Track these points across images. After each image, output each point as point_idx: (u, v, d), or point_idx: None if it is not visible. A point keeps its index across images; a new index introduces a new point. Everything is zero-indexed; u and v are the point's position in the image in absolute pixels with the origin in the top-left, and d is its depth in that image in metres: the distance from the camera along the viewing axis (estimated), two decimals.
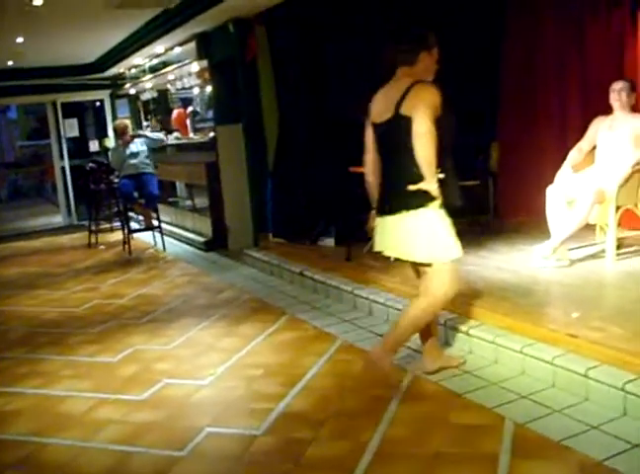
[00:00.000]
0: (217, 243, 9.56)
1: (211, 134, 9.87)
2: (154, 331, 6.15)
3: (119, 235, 10.82)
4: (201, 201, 10.40)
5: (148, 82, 12.37)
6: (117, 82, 14.01)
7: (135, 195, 10.12)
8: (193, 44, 9.70)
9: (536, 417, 3.81)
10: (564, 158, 6.30)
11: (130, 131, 10.52)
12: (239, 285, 7.52)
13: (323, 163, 8.11)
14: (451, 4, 7.85)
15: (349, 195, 7.41)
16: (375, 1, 8.03)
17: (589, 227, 6.25)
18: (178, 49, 10.27)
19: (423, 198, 4.09)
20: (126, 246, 10.03)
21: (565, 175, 6.19)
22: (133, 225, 10.96)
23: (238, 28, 8.65)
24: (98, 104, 15.35)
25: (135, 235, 10.55)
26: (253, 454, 3.74)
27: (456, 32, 7.47)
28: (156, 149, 10.42)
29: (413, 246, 4.20)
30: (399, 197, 4.18)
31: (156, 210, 10.20)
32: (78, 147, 15.61)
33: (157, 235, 10.23)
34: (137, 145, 10.18)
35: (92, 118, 16.89)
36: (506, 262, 6.10)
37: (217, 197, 9.43)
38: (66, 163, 14.41)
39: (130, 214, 11.01)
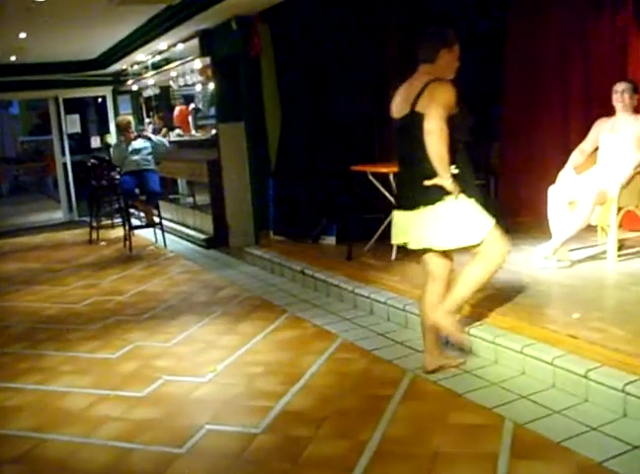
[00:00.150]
0: (218, 240, 9.57)
1: (213, 132, 9.88)
2: (154, 328, 6.15)
3: (119, 232, 10.83)
4: (203, 199, 10.41)
5: (151, 78, 12.37)
6: (119, 78, 14.01)
7: (137, 191, 10.10)
8: (196, 41, 9.69)
9: (536, 417, 3.81)
10: (566, 159, 6.29)
11: (133, 128, 10.49)
12: (240, 283, 7.52)
13: (325, 161, 8.11)
14: (454, 3, 7.84)
15: (350, 193, 7.43)
16: (370, 1, 8.03)
17: (590, 228, 6.25)
18: (181, 46, 10.26)
19: (440, 193, 4.16)
20: (127, 242, 10.03)
21: (567, 176, 6.18)
22: (134, 222, 10.95)
23: (241, 25, 8.64)
24: (100, 100, 15.34)
25: (136, 232, 10.56)
26: (252, 452, 3.74)
27: (458, 31, 7.45)
28: (159, 155, 10.34)
29: (449, 234, 4.24)
30: (418, 192, 4.24)
31: (157, 207, 10.19)
32: (80, 143, 15.62)
33: (158, 232, 10.23)
34: (140, 142, 10.16)
35: (94, 115, 16.90)
36: (507, 262, 6.07)
37: (219, 194, 9.44)
38: (68, 159, 14.41)
39: (131, 211, 11.00)
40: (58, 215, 14.88)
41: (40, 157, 21.94)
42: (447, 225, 4.22)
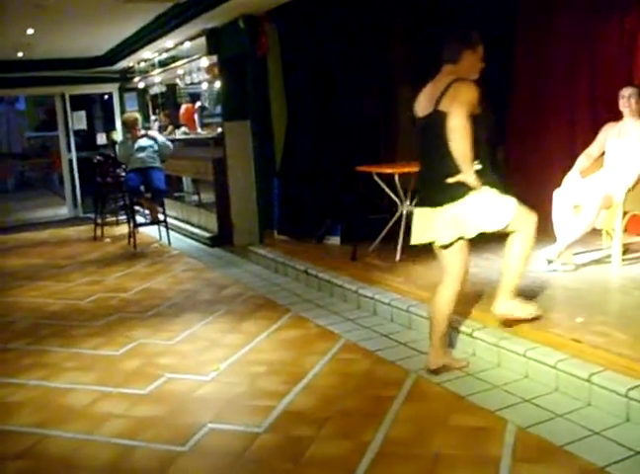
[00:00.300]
0: (223, 239, 9.58)
1: (219, 130, 9.88)
2: (158, 325, 6.16)
3: (124, 229, 10.84)
4: (208, 197, 10.42)
5: (157, 76, 12.38)
6: (125, 75, 14.03)
7: (142, 188, 10.11)
8: (203, 40, 9.70)
9: (539, 421, 3.81)
10: (572, 163, 6.29)
11: (140, 125, 10.50)
12: (243, 282, 7.53)
13: (330, 162, 8.12)
14: (462, 6, 7.83)
15: (355, 194, 7.43)
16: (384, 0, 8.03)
17: (595, 232, 6.24)
18: (188, 44, 10.27)
19: (464, 189, 4.25)
20: (132, 240, 10.03)
21: (573, 179, 6.18)
22: (139, 219, 10.97)
23: (249, 24, 8.65)
24: (106, 97, 15.36)
25: (141, 229, 10.56)
26: (254, 452, 3.74)
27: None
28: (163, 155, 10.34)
29: (478, 223, 4.33)
30: (441, 189, 4.32)
31: (162, 205, 10.20)
32: (86, 140, 15.65)
33: (163, 229, 10.23)
34: (145, 139, 10.16)
35: (100, 111, 16.93)
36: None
37: (224, 192, 9.45)
38: (73, 155, 14.44)
39: (136, 208, 11.01)
40: (63, 211, 14.91)
41: (46, 153, 21.96)
42: (474, 216, 4.32)
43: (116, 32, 10.50)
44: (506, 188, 4.47)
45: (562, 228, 6.04)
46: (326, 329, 5.69)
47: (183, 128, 11.95)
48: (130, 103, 14.65)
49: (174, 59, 11.41)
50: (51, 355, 5.56)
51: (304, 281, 7.13)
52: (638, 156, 6.07)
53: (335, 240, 7.96)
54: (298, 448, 3.72)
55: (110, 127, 15.17)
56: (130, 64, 13.17)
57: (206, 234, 10.00)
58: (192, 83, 11.67)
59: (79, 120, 14.70)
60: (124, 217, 11.09)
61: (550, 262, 5.97)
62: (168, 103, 13.67)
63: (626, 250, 6.20)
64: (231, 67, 9.37)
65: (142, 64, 12.74)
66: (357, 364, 4.88)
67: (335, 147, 8.15)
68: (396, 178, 6.88)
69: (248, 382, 4.71)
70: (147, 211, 11.10)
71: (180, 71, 11.40)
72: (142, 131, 10.38)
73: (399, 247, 6.81)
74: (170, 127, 12.41)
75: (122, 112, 14.04)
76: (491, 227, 4.35)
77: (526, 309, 4.67)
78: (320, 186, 8.21)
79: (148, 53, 11.74)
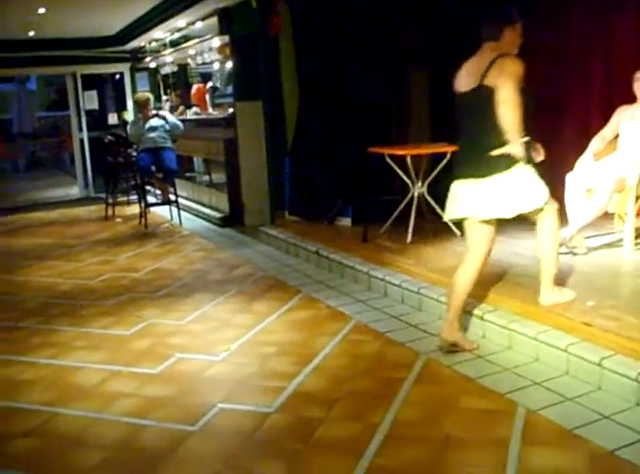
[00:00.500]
0: (234, 219, 9.57)
1: (230, 110, 9.86)
2: (168, 305, 6.17)
3: (135, 209, 10.84)
4: (219, 177, 10.41)
5: (169, 56, 12.36)
6: (137, 55, 13.99)
7: (153, 168, 10.11)
8: (214, 19, 9.65)
9: (548, 404, 3.81)
10: (585, 146, 6.24)
11: (151, 105, 10.49)
12: (254, 262, 7.53)
13: (342, 143, 8.08)
14: None
15: (367, 175, 7.40)
16: None
17: (607, 216, 6.21)
18: (199, 24, 10.22)
19: (509, 161, 4.35)
20: (143, 220, 10.04)
21: (586, 163, 6.14)
22: (150, 199, 10.97)
23: (261, 4, 8.60)
24: (117, 77, 15.33)
25: (152, 209, 10.55)
26: (264, 432, 3.75)
27: (481, 20, 7.40)
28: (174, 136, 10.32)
29: (514, 202, 4.43)
30: (486, 161, 4.38)
31: (173, 185, 10.21)
32: (97, 119, 15.63)
33: (174, 210, 10.24)
34: (157, 119, 10.15)
35: (111, 91, 16.90)
36: (523, 247, 6.07)
37: (235, 173, 9.43)
38: (85, 135, 14.42)
39: (147, 188, 11.02)
40: (74, 191, 14.92)
41: (57, 133, 21.95)
42: (513, 193, 4.41)
43: (127, 11, 10.46)
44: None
45: (574, 211, 6.00)
46: (337, 310, 5.69)
47: (194, 108, 11.94)
48: (142, 83, 14.61)
49: (185, 39, 11.39)
50: (61, 335, 5.58)
51: (315, 262, 7.12)
52: None
53: (346, 221, 7.94)
54: (308, 429, 3.72)
55: (121, 107, 15.15)
56: (142, 44, 13.12)
57: (217, 214, 9.99)
58: (203, 63, 11.66)
59: (90, 100, 14.68)
60: (135, 197, 11.09)
61: (562, 245, 5.94)
62: (179, 83, 13.66)
63: (638, 234, 6.16)
64: (243, 47, 9.32)
65: (154, 44, 12.70)
66: (367, 346, 4.88)
67: (347, 128, 8.11)
68: (408, 160, 6.84)
69: (258, 363, 4.71)
70: (158, 191, 11.12)
71: (191, 51, 11.38)
72: (153, 111, 10.37)
73: (410, 229, 6.79)
74: (181, 108, 12.40)
75: (134, 92, 14.02)
76: (526, 207, 4.46)
77: (566, 294, 4.82)
78: (332, 167, 8.19)
79: (160, 33, 11.69)
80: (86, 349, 5.22)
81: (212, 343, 5.14)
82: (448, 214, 4.74)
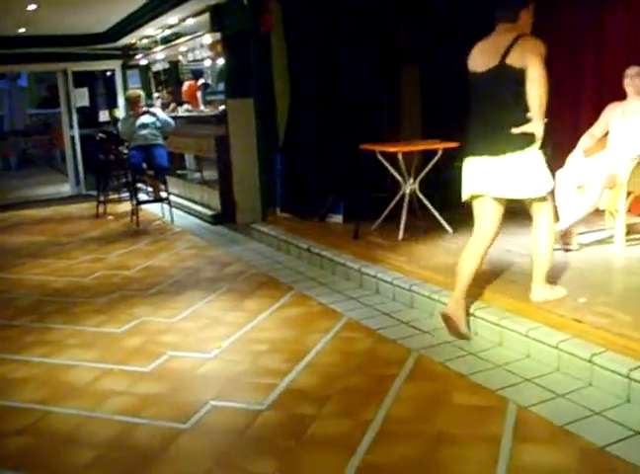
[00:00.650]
0: (225, 216, 9.57)
1: (222, 107, 9.85)
2: (160, 303, 6.17)
3: (127, 206, 10.81)
4: (210, 174, 10.40)
5: (160, 53, 12.33)
6: (128, 52, 13.96)
7: (144, 166, 10.09)
8: (206, 16, 9.64)
9: (540, 400, 3.82)
10: (575, 143, 6.26)
11: (143, 102, 10.47)
12: (246, 260, 7.53)
13: (334, 140, 8.09)
14: None
15: (358, 172, 7.41)
16: None
17: (598, 212, 6.23)
18: (191, 21, 10.22)
19: (526, 140, 4.45)
20: (134, 217, 10.03)
21: (576, 159, 6.16)
22: (142, 196, 10.96)
23: (252, 1, 8.58)
24: (109, 74, 15.30)
25: (143, 206, 10.54)
26: (256, 429, 3.75)
27: (472, 18, 7.42)
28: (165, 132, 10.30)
29: (524, 184, 4.54)
30: (504, 138, 4.49)
31: (165, 182, 10.19)
32: (88, 117, 15.59)
33: (165, 207, 10.23)
34: (148, 116, 10.13)
35: (102, 88, 16.86)
36: (514, 244, 6.09)
37: (226, 170, 9.43)
38: (76, 132, 14.38)
39: (139, 185, 11.00)
40: (66, 189, 14.88)
41: (48, 130, 21.88)
42: (524, 174, 4.52)
43: (119, 8, 10.45)
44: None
45: (565, 208, 6.02)
46: (328, 307, 5.69)
47: (185, 106, 11.91)
48: (133, 80, 14.60)
49: (177, 36, 11.37)
50: (54, 333, 5.57)
51: (307, 259, 7.13)
52: None
53: (338, 218, 7.95)
54: (300, 426, 3.73)
55: (112, 104, 15.12)
56: (133, 41, 13.11)
57: (209, 212, 9.99)
58: (195, 60, 11.64)
59: (81, 97, 14.67)
60: (127, 195, 11.06)
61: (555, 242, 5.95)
62: (171, 80, 13.62)
63: (629, 230, 6.18)
64: (234, 44, 9.31)
65: (145, 41, 12.68)
66: (359, 343, 4.89)
67: (338, 125, 8.12)
68: (400, 157, 6.85)
69: (250, 360, 4.72)
70: (150, 189, 11.10)
71: (183, 48, 11.35)
72: (145, 108, 10.35)
73: (402, 226, 6.81)
74: (173, 105, 12.37)
75: (125, 89, 13.99)
76: (532, 191, 4.56)
77: (558, 291, 4.85)
78: (323, 164, 8.19)
79: (151, 30, 11.68)
80: (79, 347, 5.22)
81: (204, 340, 5.14)
82: (465, 192, 4.80)
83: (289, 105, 8.59)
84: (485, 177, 4.61)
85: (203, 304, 6.04)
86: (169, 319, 5.71)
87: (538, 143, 4.48)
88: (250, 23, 8.69)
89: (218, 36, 9.62)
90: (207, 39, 9.97)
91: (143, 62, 13.54)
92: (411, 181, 6.97)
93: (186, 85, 12.43)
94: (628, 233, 6.11)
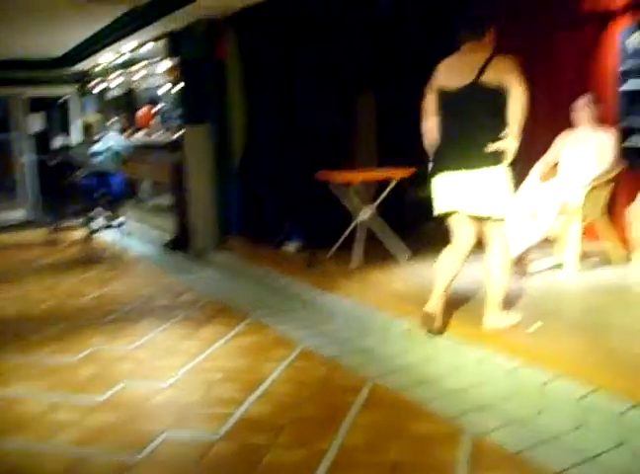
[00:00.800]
0: (181, 243, 9.50)
1: (178, 133, 9.81)
2: (115, 331, 6.09)
3: (81, 233, 10.71)
4: (166, 201, 10.34)
5: (116, 79, 12.28)
6: (85, 77, 13.88)
7: (99, 192, 10.02)
8: (163, 42, 9.64)
9: (495, 427, 3.83)
10: (528, 171, 6.35)
11: (98, 128, 10.42)
12: (201, 287, 7.49)
13: (290, 166, 8.09)
14: (416, 19, 7.94)
15: (314, 199, 7.42)
16: (345, 7, 8.02)
17: (552, 239, 6.30)
18: (147, 47, 10.20)
19: (499, 157, 4.55)
20: (89, 244, 9.92)
21: (530, 186, 6.24)
22: (97, 223, 10.86)
23: (209, 28, 8.62)
24: (65, 99, 15.17)
25: (98, 233, 10.45)
26: (210, 459, 3.71)
27: (423, 46, 7.54)
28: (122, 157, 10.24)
29: (490, 201, 4.63)
30: (478, 153, 4.57)
31: (120, 209, 10.11)
32: (43, 142, 15.42)
33: (120, 234, 10.14)
34: (103, 142, 10.08)
35: (58, 114, 16.70)
36: (468, 271, 6.11)
37: (182, 196, 9.38)
38: (30, 158, 14.22)
39: (94, 212, 10.90)
40: (19, 215, 14.67)
41: (2, 155, 21.58)
42: (493, 191, 4.60)
43: (75, 33, 10.39)
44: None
45: (519, 235, 6.08)
46: (284, 335, 5.67)
47: (142, 131, 11.86)
48: (89, 105, 14.49)
49: (134, 62, 11.34)
50: (5, 362, 5.46)
51: (263, 287, 7.10)
52: (594, 163, 6.17)
53: (293, 246, 7.94)
54: (255, 456, 3.69)
55: (67, 131, 14.99)
56: (90, 66, 13.03)
57: (165, 238, 9.91)
58: (151, 86, 11.60)
59: (36, 123, 14.50)
60: (82, 221, 10.95)
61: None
62: (127, 105, 13.54)
63: (582, 256, 6.26)
64: (191, 71, 9.29)
65: (102, 66, 12.62)
66: (314, 371, 4.87)
67: (295, 153, 8.13)
68: (356, 184, 6.88)
69: (205, 389, 4.67)
70: (105, 215, 11.00)
71: (140, 74, 11.33)
72: (100, 134, 10.29)
73: (357, 253, 6.82)
74: (129, 130, 12.30)
75: (81, 114, 13.90)
76: (495, 210, 4.63)
77: (512, 317, 4.88)
78: (280, 191, 8.20)
79: (108, 55, 11.63)
80: (31, 377, 5.12)
81: (159, 369, 5.09)
82: (439, 208, 4.85)
83: (246, 131, 8.60)
84: (458, 193, 4.68)
85: (158, 333, 5.98)
86: (124, 347, 5.64)
87: (509, 160, 4.57)
88: (206, 50, 8.71)
89: (174, 62, 9.62)
90: (164, 65, 9.96)
91: (100, 87, 13.47)
92: (366, 208, 7.00)
93: (142, 110, 12.38)
94: (581, 259, 6.19)
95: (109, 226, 10.46)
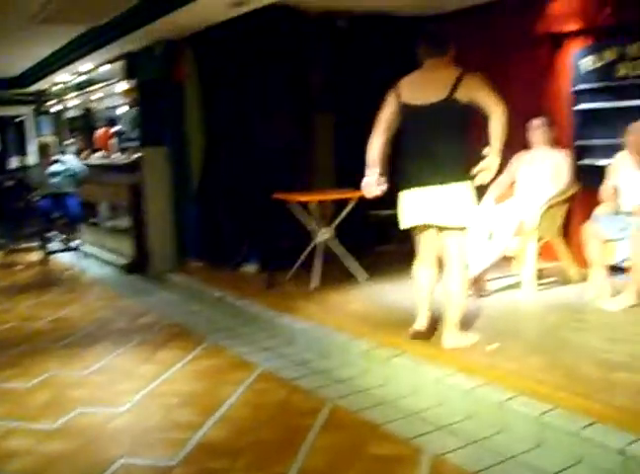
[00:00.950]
0: (139, 265, 9.41)
1: (136, 155, 9.75)
2: (71, 356, 5.99)
3: (38, 255, 10.57)
4: (124, 223, 10.25)
5: (74, 99, 12.20)
6: (41, 98, 13.76)
7: (56, 214, 9.91)
8: (120, 63, 9.59)
9: (453, 448, 3.82)
10: (484, 190, 6.40)
11: (55, 149, 10.31)
12: (159, 310, 7.41)
13: (248, 189, 8.06)
14: (369, 37, 8.01)
15: (272, 221, 7.40)
16: (304, 26, 8.06)
17: (508, 258, 6.36)
18: (105, 68, 10.14)
19: (465, 173, 4.64)
20: (45, 267, 9.80)
21: (486, 207, 6.28)
22: (53, 245, 10.73)
23: (166, 49, 8.58)
24: (20, 119, 15.04)
25: (55, 256, 10.32)
26: None
27: (377, 68, 7.60)
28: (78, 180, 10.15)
29: (454, 214, 4.68)
30: (448, 169, 4.64)
31: (77, 231, 10.01)
32: None
33: (77, 256, 10.03)
34: (60, 164, 9.98)
35: (13, 134, 16.54)
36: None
37: (140, 218, 9.30)
38: None
39: (50, 234, 10.78)
40: None
41: None
42: (460, 203, 4.66)
43: (31, 53, 10.30)
44: None
45: (476, 255, 6.11)
46: (242, 358, 5.63)
47: (99, 153, 11.77)
48: (46, 126, 14.37)
49: (91, 82, 11.27)
50: None
51: (221, 309, 7.05)
52: (549, 183, 6.24)
53: (252, 267, 7.90)
54: None
55: (23, 151, 14.84)
56: (46, 86, 12.92)
57: (122, 261, 9.82)
58: (109, 107, 11.53)
59: None
60: (38, 243, 10.81)
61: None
62: (85, 126, 13.46)
63: (539, 276, 6.32)
64: (148, 92, 9.25)
65: (59, 86, 12.53)
66: (272, 394, 4.83)
67: (253, 173, 8.11)
68: (313, 205, 6.88)
69: (162, 414, 4.61)
70: (61, 237, 10.88)
71: (97, 95, 11.27)
72: (57, 156, 10.19)
73: (315, 274, 6.81)
74: (86, 152, 12.21)
75: (37, 135, 13.76)
76: (461, 220, 4.70)
77: (470, 337, 4.92)
78: (238, 212, 8.16)
79: (65, 76, 11.55)
80: None
81: (115, 394, 5.00)
82: (405, 224, 4.88)
83: (204, 152, 8.56)
84: (425, 207, 4.71)
85: (115, 357, 5.90)
86: (80, 372, 5.55)
87: (492, 176, 4.70)
88: (164, 71, 8.67)
89: (132, 83, 9.57)
90: (121, 86, 9.91)
91: (57, 108, 13.36)
92: (324, 229, 6.99)
93: (100, 132, 12.30)
94: (538, 278, 6.25)
95: (66, 248, 10.33)
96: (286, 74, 8.17)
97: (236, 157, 8.19)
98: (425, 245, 4.93)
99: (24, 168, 13.83)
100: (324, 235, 6.98)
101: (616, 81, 6.61)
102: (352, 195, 6.77)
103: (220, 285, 7.43)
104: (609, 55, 6.63)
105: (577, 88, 6.93)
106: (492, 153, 4.57)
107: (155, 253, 9.11)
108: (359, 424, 4.26)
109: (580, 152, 6.84)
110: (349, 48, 8.20)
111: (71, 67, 10.57)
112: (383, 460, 3.78)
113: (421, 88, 4.72)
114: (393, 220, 5.05)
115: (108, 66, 10.03)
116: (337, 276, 6.93)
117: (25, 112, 14.47)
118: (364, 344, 5.16)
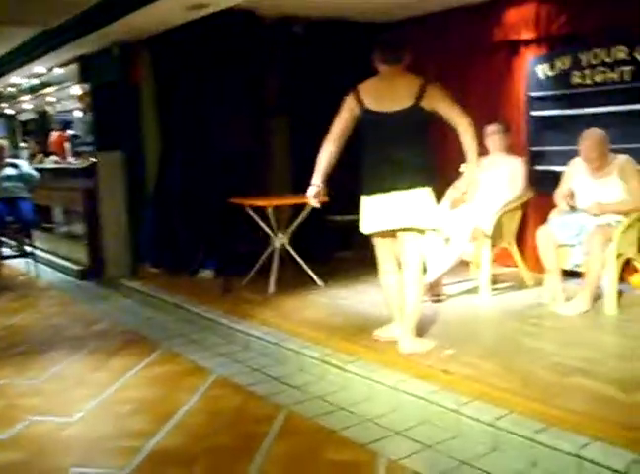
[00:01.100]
0: (93, 272, 9.29)
1: (91, 159, 9.64)
2: (22, 364, 5.88)
3: None
4: (78, 228, 10.11)
5: (27, 102, 12.03)
6: None
7: (8, 219, 9.74)
8: (74, 66, 9.47)
9: (409, 453, 3.82)
10: (440, 195, 6.42)
11: (7, 153, 10.14)
12: (114, 316, 7.32)
13: (204, 193, 8.00)
14: (326, 42, 8.02)
15: (229, 226, 7.36)
16: (260, 30, 8.03)
17: (464, 263, 6.38)
18: (59, 71, 10.01)
19: (428, 178, 4.74)
20: None
21: (442, 212, 6.30)
22: (5, 251, 10.53)
23: (122, 52, 8.49)
24: None
25: (7, 261, 10.14)
26: None
27: (333, 72, 7.60)
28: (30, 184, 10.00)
29: (421, 216, 4.75)
30: (413, 174, 4.71)
31: (30, 236, 9.85)
32: None
33: (30, 262, 9.88)
34: (12, 168, 9.82)
35: None
36: (383, 298, 6.15)
37: (95, 223, 9.18)
38: None
39: (2, 239, 10.59)
40: None
41: None
42: (423, 207, 4.73)
43: None
44: None
45: (433, 260, 6.13)
46: (197, 364, 5.57)
47: (53, 157, 11.62)
48: None
49: (45, 85, 11.12)
50: None
51: (176, 316, 6.98)
52: (505, 189, 6.29)
53: (208, 273, 7.86)
54: None
55: None
56: None
57: (76, 267, 9.68)
58: (63, 110, 11.40)
59: None
60: None
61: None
62: (38, 130, 13.30)
63: (495, 281, 6.36)
64: (104, 95, 9.13)
65: (11, 89, 12.34)
66: (228, 400, 4.79)
67: (210, 177, 8.05)
68: (269, 210, 6.86)
69: (115, 422, 4.54)
70: (13, 243, 10.69)
71: (51, 98, 11.12)
72: (9, 160, 10.03)
73: (272, 280, 6.79)
74: (40, 156, 12.06)
75: None
76: (418, 222, 4.76)
77: (426, 343, 4.95)
78: (194, 218, 8.10)
79: (18, 78, 11.38)
80: None
81: (68, 402, 4.92)
82: (367, 229, 4.89)
83: (159, 156, 8.49)
84: (388, 213, 4.74)
85: (68, 364, 5.81)
86: (31, 381, 5.44)
87: (474, 186, 4.90)
88: (119, 74, 8.58)
89: (87, 86, 9.45)
90: (76, 89, 9.79)
91: (9, 111, 13.17)
92: (281, 235, 6.97)
93: (54, 136, 12.16)
94: (493, 283, 6.29)
95: (19, 254, 10.15)
96: (243, 78, 8.14)
97: (192, 161, 8.13)
98: (384, 251, 4.96)
99: None
100: (281, 240, 6.96)
101: (571, 89, 6.69)
102: (308, 200, 6.75)
103: (176, 291, 7.38)
104: (564, 63, 6.71)
105: (533, 95, 7.00)
106: (469, 167, 4.71)
107: (110, 259, 9.00)
108: (314, 430, 4.24)
109: (535, 158, 6.92)
110: (305, 53, 8.19)
111: (24, 69, 10.42)
112: (340, 466, 3.77)
113: (385, 95, 4.73)
114: (354, 226, 5.04)
115: (62, 69, 9.90)
116: (294, 281, 6.91)
117: None
118: (320, 350, 5.15)
